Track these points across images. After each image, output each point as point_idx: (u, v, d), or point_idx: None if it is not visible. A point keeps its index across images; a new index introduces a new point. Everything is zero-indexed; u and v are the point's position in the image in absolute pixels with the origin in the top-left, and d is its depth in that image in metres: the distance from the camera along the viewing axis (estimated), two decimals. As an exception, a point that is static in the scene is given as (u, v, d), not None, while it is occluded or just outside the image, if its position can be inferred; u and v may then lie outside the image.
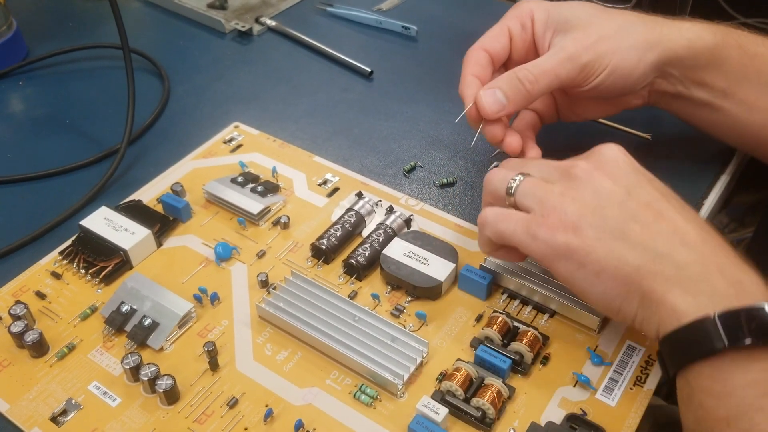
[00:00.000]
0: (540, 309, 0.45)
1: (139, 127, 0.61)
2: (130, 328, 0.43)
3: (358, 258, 0.46)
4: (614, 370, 0.42)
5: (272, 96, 0.65)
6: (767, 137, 0.50)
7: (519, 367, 0.41)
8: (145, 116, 0.62)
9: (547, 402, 0.40)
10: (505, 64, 0.50)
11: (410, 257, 0.46)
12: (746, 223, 1.19)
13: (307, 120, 0.62)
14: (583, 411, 0.40)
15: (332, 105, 0.64)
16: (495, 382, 0.40)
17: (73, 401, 0.40)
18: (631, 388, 0.41)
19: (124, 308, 0.44)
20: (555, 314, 0.45)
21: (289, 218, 0.50)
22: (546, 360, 0.42)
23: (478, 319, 0.44)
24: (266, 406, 0.40)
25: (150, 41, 0.73)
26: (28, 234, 0.51)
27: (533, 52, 0.49)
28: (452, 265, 0.46)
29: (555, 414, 0.40)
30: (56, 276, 0.47)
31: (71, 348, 0.43)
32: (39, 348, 0.42)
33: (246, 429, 0.39)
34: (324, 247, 0.47)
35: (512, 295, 0.46)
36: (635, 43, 0.46)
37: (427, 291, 0.45)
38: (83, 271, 0.47)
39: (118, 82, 0.65)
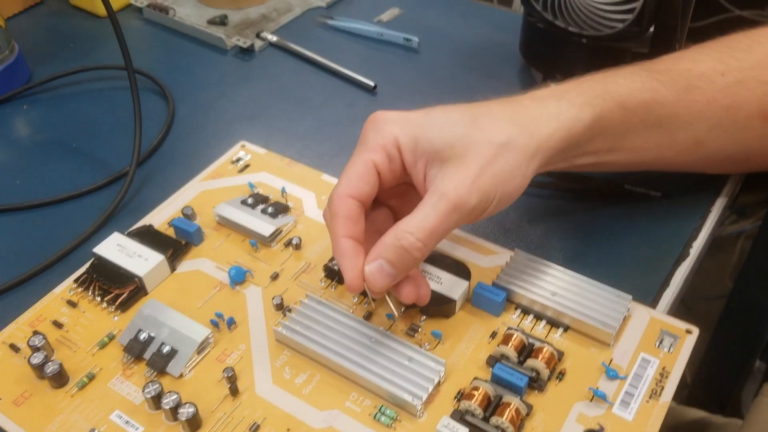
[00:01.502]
0: (553, 324, 0.45)
1: (146, 149, 0.61)
2: (149, 356, 0.43)
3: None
4: (630, 384, 0.42)
5: (277, 113, 0.65)
6: (662, 166, 0.51)
7: (535, 383, 0.42)
8: (151, 137, 0.62)
9: (565, 418, 0.41)
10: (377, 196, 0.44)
11: (429, 286, 0.46)
12: (748, 214, 1.19)
13: (313, 137, 0.62)
14: (600, 426, 0.40)
15: (337, 121, 0.64)
16: (513, 400, 0.40)
17: (96, 431, 0.40)
18: (647, 401, 0.41)
19: (142, 336, 0.44)
20: (568, 329, 0.45)
21: (300, 239, 0.51)
22: (561, 376, 0.43)
23: (493, 335, 0.45)
24: (287, 430, 0.40)
25: (151, 60, 0.73)
26: (41, 262, 0.51)
27: (404, 179, 0.44)
28: (465, 283, 0.46)
29: (573, 429, 0.40)
30: (72, 304, 0.47)
31: (91, 377, 0.43)
32: (59, 378, 0.42)
33: (268, 454, 0.39)
34: (337, 268, 0.48)
35: (525, 311, 0.46)
36: (516, 163, 0.41)
37: (441, 310, 0.46)
38: (99, 299, 0.47)
39: (122, 103, 0.65)
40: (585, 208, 0.55)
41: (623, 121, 0.46)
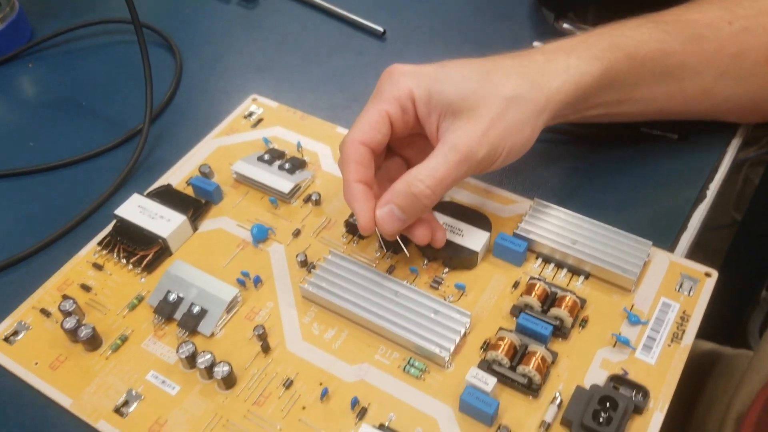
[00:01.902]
0: (575, 272, 0.46)
1: (156, 105, 0.61)
2: (180, 317, 0.44)
3: (392, 241, 0.47)
4: (651, 329, 0.43)
5: (286, 64, 0.65)
6: (671, 115, 0.52)
7: (559, 331, 0.43)
8: (160, 92, 0.62)
9: (589, 364, 0.42)
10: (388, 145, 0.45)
11: (445, 229, 0.47)
12: (751, 142, 1.19)
13: (324, 88, 0.62)
14: (624, 371, 0.41)
15: (347, 70, 0.64)
16: (538, 349, 0.41)
17: (134, 392, 0.42)
18: (669, 345, 0.42)
19: (171, 297, 0.45)
20: (589, 276, 0.46)
21: (319, 195, 0.51)
22: (584, 323, 0.44)
23: (515, 285, 0.46)
24: (320, 384, 0.41)
25: (154, 11, 0.72)
26: (61, 225, 0.52)
27: (417, 130, 0.45)
28: (487, 234, 0.47)
29: (597, 375, 0.41)
30: (98, 267, 0.48)
31: (124, 339, 0.44)
32: (93, 342, 0.43)
33: (304, 408, 0.40)
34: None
35: (546, 260, 0.47)
36: (525, 117, 0.43)
37: (463, 262, 0.46)
38: (124, 261, 0.48)
39: (129, 58, 0.65)
40: (601, 154, 0.55)
41: (632, 73, 0.47)
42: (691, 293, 0.45)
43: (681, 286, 0.45)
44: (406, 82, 0.43)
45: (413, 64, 0.44)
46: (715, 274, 0.46)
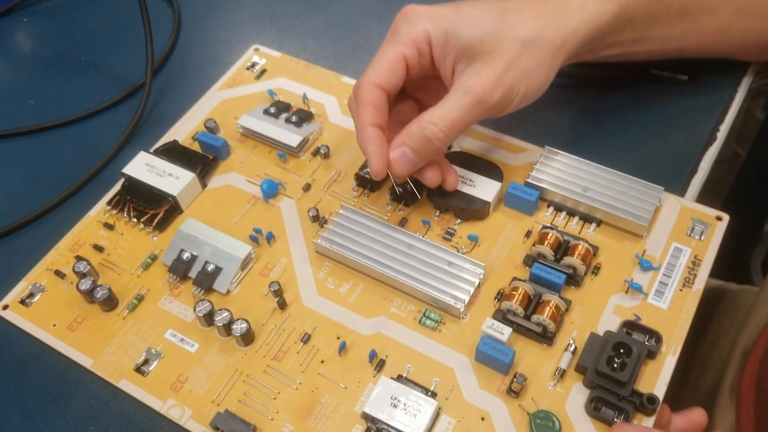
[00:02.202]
0: (586, 219, 0.46)
1: (157, 57, 0.60)
2: (195, 275, 0.44)
3: (405, 185, 0.47)
4: (663, 274, 0.44)
5: (286, 11, 0.63)
6: (687, 54, 0.51)
7: (572, 279, 0.43)
8: (159, 44, 0.61)
9: (602, 311, 0.42)
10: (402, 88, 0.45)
11: (456, 172, 0.47)
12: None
13: (327, 35, 0.61)
14: (637, 316, 0.42)
15: (349, 15, 0.62)
16: (552, 298, 0.42)
17: (153, 350, 0.42)
18: (681, 290, 0.43)
19: (185, 255, 0.45)
20: (601, 223, 0.46)
21: (328, 148, 0.50)
22: (597, 270, 0.44)
23: (528, 234, 0.46)
24: (338, 338, 0.42)
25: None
26: (70, 185, 0.51)
27: (431, 73, 0.44)
28: (498, 184, 0.47)
29: (610, 321, 0.42)
30: (109, 227, 0.48)
31: (140, 299, 0.44)
32: (110, 302, 0.44)
33: (323, 362, 0.41)
34: (368, 176, 0.48)
35: (558, 208, 0.47)
36: (542, 60, 0.42)
37: (475, 212, 0.46)
38: (135, 220, 0.48)
39: (124, 9, 0.64)
40: (611, 97, 0.54)
41: (648, 11, 0.46)
42: (703, 237, 0.45)
43: (692, 231, 0.45)
44: (423, 24, 0.42)
45: (428, 6, 0.43)
46: (726, 217, 0.46)
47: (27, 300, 0.45)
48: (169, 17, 0.64)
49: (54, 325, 0.44)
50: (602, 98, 0.54)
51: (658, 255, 0.44)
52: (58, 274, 0.46)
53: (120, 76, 0.60)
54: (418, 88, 0.47)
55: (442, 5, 0.43)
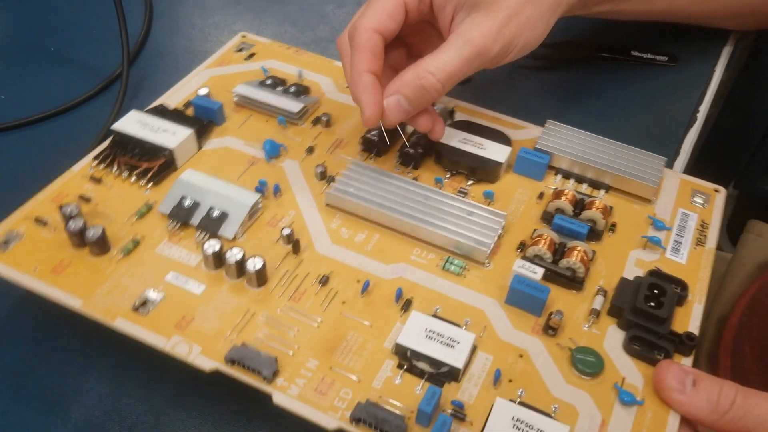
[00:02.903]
0: (595, 185, 0.46)
1: (132, 46, 0.57)
2: (198, 221, 0.41)
3: (417, 148, 0.46)
4: (676, 233, 0.44)
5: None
6: (674, 16, 0.53)
7: (593, 233, 0.42)
8: (132, 33, 0.58)
9: (624, 263, 0.42)
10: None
11: (465, 143, 0.46)
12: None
13: (305, 20, 0.60)
14: (658, 269, 0.41)
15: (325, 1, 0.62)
16: (578, 244, 0.41)
17: (153, 291, 0.38)
18: (695, 248, 0.43)
19: (186, 202, 0.42)
20: (609, 189, 0.46)
21: (330, 116, 0.49)
22: (614, 227, 0.44)
23: (540, 197, 0.45)
24: (357, 281, 0.39)
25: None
26: (44, 183, 0.46)
27: (428, 18, 0.44)
28: (508, 149, 0.46)
29: (633, 272, 0.41)
30: (96, 180, 0.44)
31: (136, 243, 0.40)
32: (102, 244, 0.39)
33: (344, 302, 0.38)
34: (376, 139, 0.46)
35: (566, 175, 0.47)
36: (542, 11, 0.43)
37: (486, 173, 0.46)
38: (125, 174, 0.44)
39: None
40: (593, 80, 0.55)
41: None
42: (705, 206, 0.46)
43: (694, 200, 0.46)
44: None
45: None
46: (723, 190, 0.47)
47: (1, 245, 0.40)
48: (140, 4, 0.62)
49: (35, 269, 0.39)
50: (584, 79, 0.55)
51: (668, 218, 0.45)
52: (39, 221, 0.41)
53: (93, 67, 0.57)
54: (410, 33, 0.46)
55: None
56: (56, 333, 0.40)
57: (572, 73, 0.56)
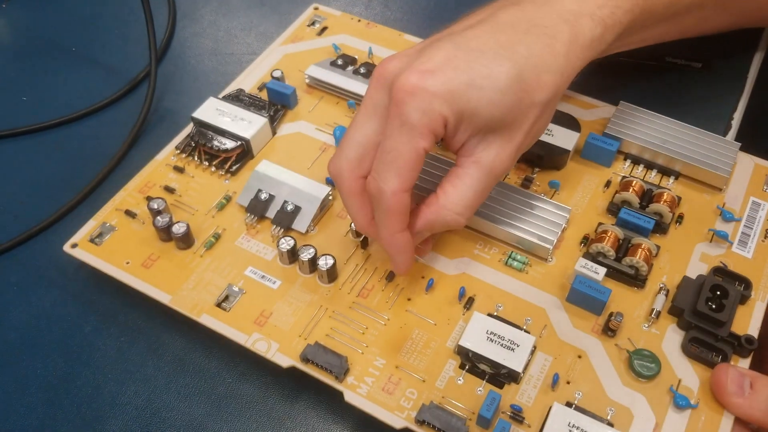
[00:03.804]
0: (664, 172, 0.46)
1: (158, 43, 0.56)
2: (274, 215, 0.43)
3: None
4: (744, 225, 0.43)
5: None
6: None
7: (658, 227, 0.43)
8: (156, 34, 0.55)
9: (689, 258, 0.42)
10: None
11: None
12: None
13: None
14: (723, 264, 0.42)
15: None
16: (643, 241, 0.41)
17: (234, 287, 0.41)
18: (763, 240, 0.43)
19: (263, 196, 0.44)
20: (679, 176, 0.46)
21: (399, 99, 0.50)
22: (681, 219, 0.44)
23: (607, 185, 0.45)
24: (422, 277, 0.41)
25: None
26: (71, 196, 0.48)
27: None
28: (576, 134, 0.46)
29: (698, 268, 0.41)
30: (179, 170, 0.47)
31: (217, 237, 0.43)
32: (187, 239, 0.42)
33: (409, 299, 0.40)
34: (444, 124, 0.47)
35: (635, 161, 0.46)
36: (555, 107, 0.40)
37: (553, 161, 0.46)
38: (206, 164, 0.47)
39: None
40: (627, 86, 0.53)
41: (668, 4, 0.43)
42: (779, 192, 0.45)
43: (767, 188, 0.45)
44: (438, 108, 0.34)
45: (439, 76, 0.34)
46: (798, 175, 0.46)
47: (96, 239, 0.44)
48: (163, 3, 0.60)
49: (127, 263, 0.42)
50: (618, 86, 0.53)
51: (738, 208, 0.44)
52: (129, 213, 0.45)
53: (114, 69, 0.56)
54: None
55: (454, 74, 0.35)
56: (90, 342, 0.42)
57: (603, 78, 0.53)
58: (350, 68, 0.51)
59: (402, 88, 0.34)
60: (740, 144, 0.46)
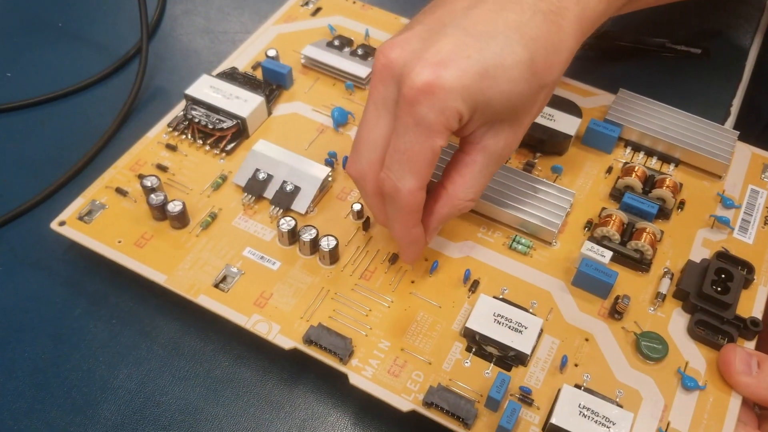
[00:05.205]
0: (665, 159, 0.46)
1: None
2: (273, 195, 0.42)
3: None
4: (744, 212, 0.43)
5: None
6: None
7: (661, 212, 0.42)
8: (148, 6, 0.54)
9: (691, 243, 0.42)
10: None
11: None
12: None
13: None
14: (725, 249, 0.41)
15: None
16: (647, 225, 0.41)
17: (233, 268, 0.40)
18: (763, 227, 0.43)
19: (261, 175, 0.43)
20: (680, 163, 0.46)
21: (397, 81, 0.49)
22: (682, 205, 0.43)
23: (608, 171, 0.45)
24: (426, 259, 0.40)
25: None
26: (57, 176, 0.47)
27: None
28: (578, 120, 0.46)
29: (700, 253, 0.41)
30: (171, 148, 0.45)
31: (214, 217, 0.42)
32: (182, 218, 0.41)
33: (413, 282, 0.39)
34: (444, 107, 0.46)
35: (636, 147, 0.46)
36: (558, 82, 0.39)
37: (555, 146, 0.45)
38: (200, 142, 0.45)
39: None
40: (628, 72, 0.53)
41: None
42: (777, 182, 0.45)
43: (766, 175, 0.46)
44: (455, 106, 0.33)
45: (454, 69, 0.33)
46: (796, 164, 0.46)
47: (86, 217, 0.42)
48: None
49: (119, 242, 0.41)
50: (617, 72, 0.53)
51: (737, 195, 0.44)
52: (120, 191, 0.43)
53: (101, 45, 0.55)
54: None
55: (467, 64, 0.33)
56: (80, 324, 0.40)
57: (602, 63, 0.53)
58: (347, 49, 0.51)
59: (414, 85, 0.32)
60: (738, 132, 0.46)
